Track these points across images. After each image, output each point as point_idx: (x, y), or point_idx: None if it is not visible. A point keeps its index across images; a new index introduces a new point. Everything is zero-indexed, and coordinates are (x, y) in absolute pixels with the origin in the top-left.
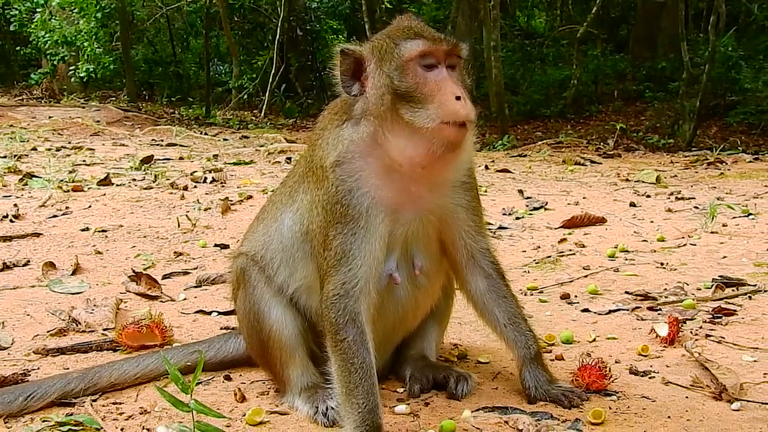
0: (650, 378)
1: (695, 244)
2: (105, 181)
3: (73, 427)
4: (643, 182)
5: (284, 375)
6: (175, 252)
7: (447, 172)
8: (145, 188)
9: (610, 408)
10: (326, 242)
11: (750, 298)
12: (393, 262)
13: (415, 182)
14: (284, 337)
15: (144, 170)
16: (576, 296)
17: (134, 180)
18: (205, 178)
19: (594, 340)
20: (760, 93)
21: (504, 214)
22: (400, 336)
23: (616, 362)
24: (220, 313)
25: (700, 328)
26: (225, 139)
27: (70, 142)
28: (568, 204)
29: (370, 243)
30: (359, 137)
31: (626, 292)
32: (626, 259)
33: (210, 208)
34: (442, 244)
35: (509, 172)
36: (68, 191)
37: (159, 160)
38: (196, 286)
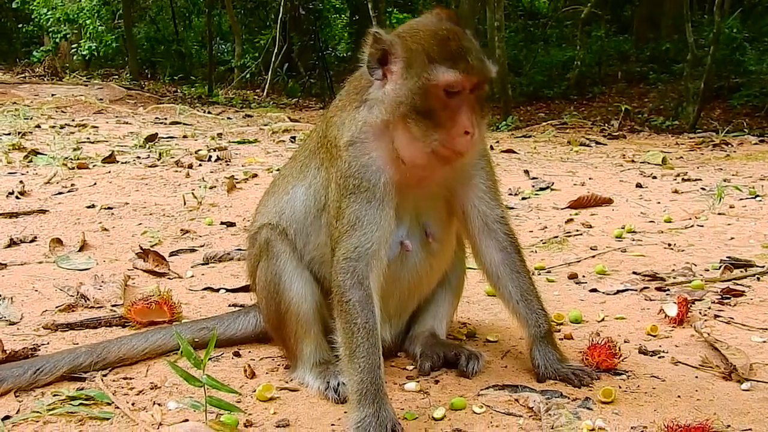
0: (660, 358)
1: (702, 226)
2: (110, 159)
3: (84, 402)
4: (648, 163)
5: (297, 349)
6: (181, 229)
7: (446, 172)
8: (150, 166)
9: (620, 387)
10: (339, 212)
11: (758, 279)
12: (404, 230)
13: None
14: (302, 311)
15: (148, 148)
16: (584, 276)
17: (139, 158)
18: (210, 157)
19: (603, 319)
20: (765, 75)
21: (510, 195)
22: (415, 301)
23: (625, 342)
24: (227, 290)
25: (709, 308)
26: (229, 118)
27: (73, 120)
28: (575, 185)
29: (384, 211)
30: (373, 120)
31: (634, 273)
32: (633, 240)
33: (215, 187)
34: (452, 210)
35: (514, 152)
36: (73, 168)
37: (163, 138)
38: (203, 264)
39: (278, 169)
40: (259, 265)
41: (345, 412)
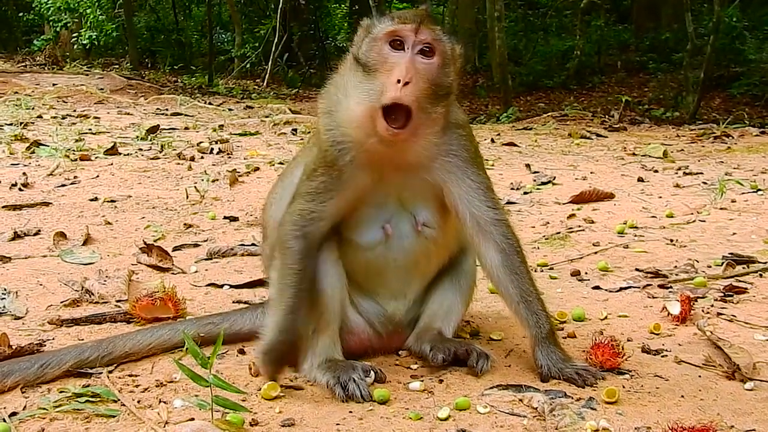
0: (663, 356)
1: (704, 221)
2: (112, 151)
3: (91, 399)
4: (650, 157)
5: (312, 342)
6: (184, 224)
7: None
8: (152, 158)
9: (624, 387)
10: (312, 174)
11: (761, 275)
12: (387, 215)
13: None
14: (329, 305)
15: (150, 140)
16: (586, 273)
17: (141, 150)
18: (212, 149)
19: (605, 317)
20: (765, 64)
21: (512, 189)
22: (418, 281)
23: (629, 340)
24: (231, 286)
25: (712, 306)
26: (230, 109)
27: (75, 110)
28: (576, 179)
29: (346, 192)
30: (340, 83)
31: (636, 269)
32: (635, 236)
33: (218, 180)
34: (444, 204)
35: (515, 145)
36: (76, 160)
37: (164, 129)
38: (206, 259)
39: (281, 162)
40: None
41: (350, 411)
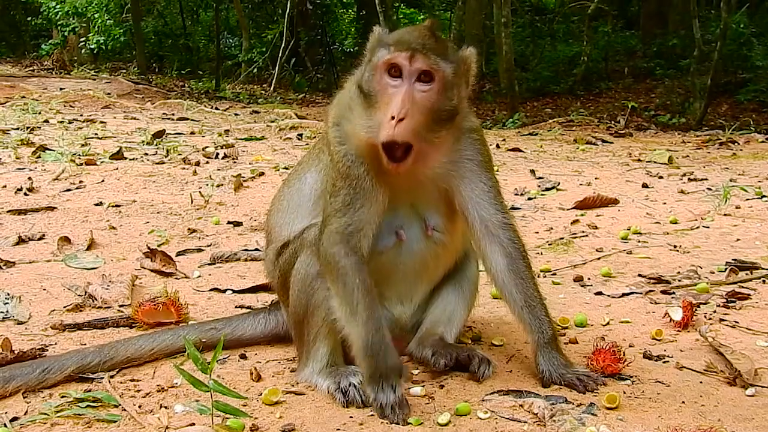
0: (664, 362)
1: (708, 227)
2: (117, 156)
3: (92, 404)
4: (655, 162)
5: (314, 347)
6: (188, 228)
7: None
8: (158, 163)
9: (625, 392)
10: (334, 190)
11: (764, 282)
12: (400, 220)
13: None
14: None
15: (156, 145)
16: (589, 278)
17: (146, 154)
18: (217, 154)
19: (608, 323)
20: None
21: (516, 195)
22: (425, 285)
23: (630, 346)
24: (234, 291)
25: (714, 312)
26: (236, 114)
27: (81, 115)
28: (581, 184)
29: (374, 197)
30: (346, 100)
31: (639, 275)
32: (639, 242)
33: (222, 185)
34: (454, 207)
35: (520, 151)
36: (81, 165)
37: (170, 134)
38: (210, 264)
39: (286, 167)
40: (298, 258)
41: (351, 417)
